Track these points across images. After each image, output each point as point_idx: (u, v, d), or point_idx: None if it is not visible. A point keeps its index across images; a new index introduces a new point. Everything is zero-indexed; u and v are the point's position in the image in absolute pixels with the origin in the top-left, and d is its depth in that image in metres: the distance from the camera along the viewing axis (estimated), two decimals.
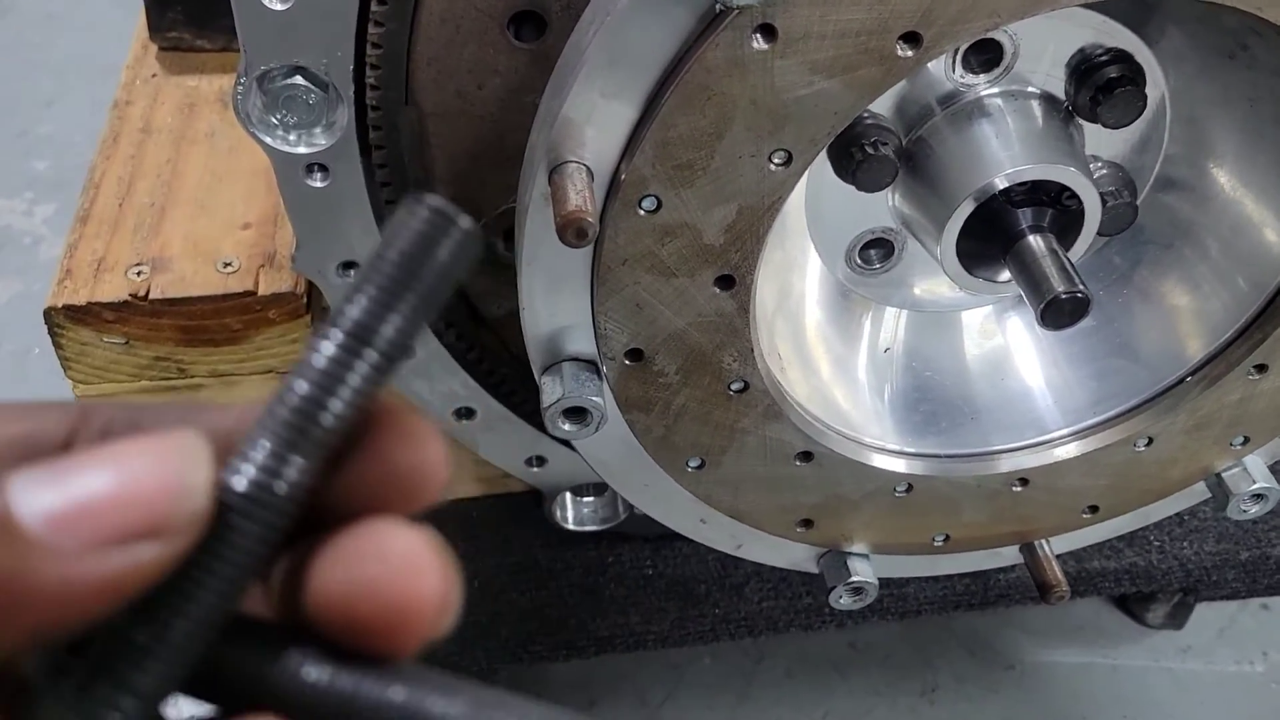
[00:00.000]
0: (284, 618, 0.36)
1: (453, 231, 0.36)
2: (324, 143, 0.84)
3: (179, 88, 1.24)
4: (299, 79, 0.81)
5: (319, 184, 0.86)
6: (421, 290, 0.36)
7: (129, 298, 0.99)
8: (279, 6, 0.76)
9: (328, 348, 0.35)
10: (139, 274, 1.02)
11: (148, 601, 0.33)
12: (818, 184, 0.87)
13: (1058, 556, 1.05)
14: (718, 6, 0.63)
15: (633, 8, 0.65)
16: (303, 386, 0.35)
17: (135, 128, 1.19)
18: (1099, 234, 0.87)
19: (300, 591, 0.35)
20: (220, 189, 1.12)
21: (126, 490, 0.33)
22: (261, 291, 1.01)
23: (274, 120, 0.83)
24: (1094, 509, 1.01)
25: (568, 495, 1.19)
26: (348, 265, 0.92)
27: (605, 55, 0.66)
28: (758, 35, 0.65)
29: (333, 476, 0.36)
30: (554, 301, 0.78)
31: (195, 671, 0.35)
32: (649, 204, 0.72)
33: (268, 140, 0.83)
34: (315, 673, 0.35)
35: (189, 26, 1.28)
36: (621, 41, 0.66)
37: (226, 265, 1.02)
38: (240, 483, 0.34)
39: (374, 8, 0.79)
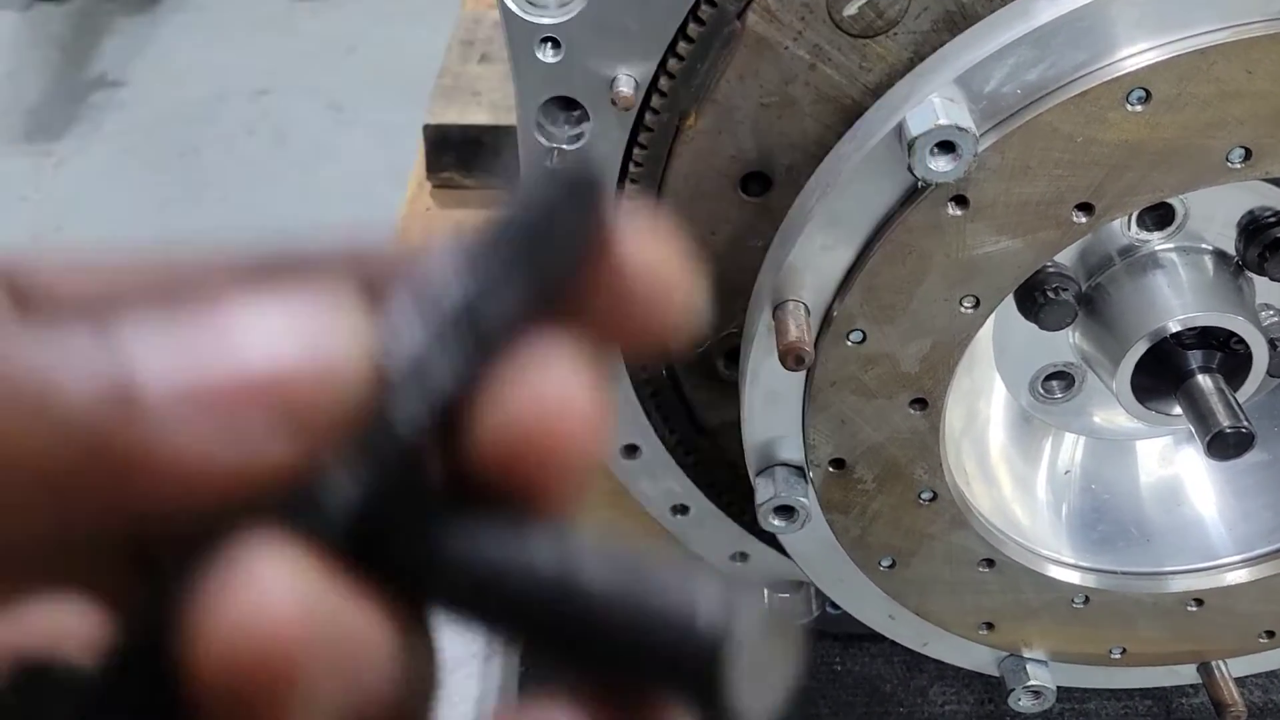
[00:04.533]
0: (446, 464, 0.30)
1: (583, 197, 0.31)
2: None
3: (449, 219, 1.47)
4: None
5: None
6: (542, 260, 0.30)
7: None
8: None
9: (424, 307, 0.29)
10: None
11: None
12: (1005, 321, 0.98)
13: (1243, 684, 1.10)
14: (919, 183, 0.77)
15: (850, 180, 0.80)
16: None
17: None
18: (1271, 375, 0.96)
19: (456, 449, 0.29)
20: None
21: (265, 370, 0.26)
22: None
23: None
24: (1270, 634, 1.06)
25: (765, 591, 1.31)
26: None
27: (826, 216, 0.81)
28: (952, 204, 0.79)
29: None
30: (770, 415, 0.92)
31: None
32: (856, 337, 0.86)
33: None
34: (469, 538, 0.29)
35: (459, 169, 1.51)
36: (839, 206, 0.81)
37: None
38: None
39: (631, 169, 0.95)
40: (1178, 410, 0.93)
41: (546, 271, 0.30)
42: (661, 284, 0.31)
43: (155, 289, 0.31)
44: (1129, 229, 0.93)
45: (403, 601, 0.29)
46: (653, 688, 0.29)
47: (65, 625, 0.28)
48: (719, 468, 1.16)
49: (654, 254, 0.31)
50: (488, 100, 1.50)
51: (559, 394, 0.29)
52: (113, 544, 0.28)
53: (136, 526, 0.27)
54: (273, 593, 0.25)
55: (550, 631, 0.29)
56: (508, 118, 0.90)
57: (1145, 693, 1.31)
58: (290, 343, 0.27)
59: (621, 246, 0.31)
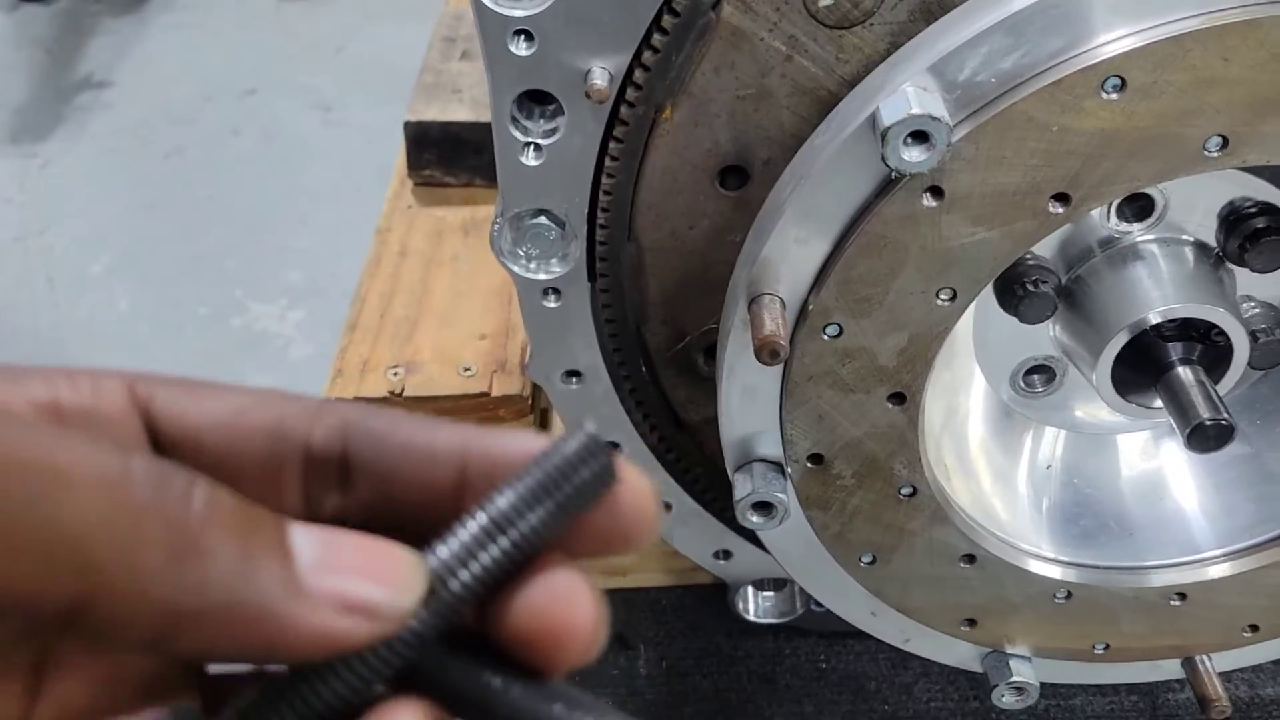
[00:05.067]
0: (486, 639, 0.44)
1: (599, 459, 0.42)
2: (559, 271, 0.99)
3: (430, 217, 1.46)
4: (543, 219, 0.97)
5: (552, 304, 1.01)
6: (561, 499, 0.42)
7: (388, 394, 1.18)
8: (532, 163, 0.93)
9: (472, 527, 0.42)
10: (395, 375, 1.21)
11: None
12: (984, 314, 0.97)
13: (1229, 679, 1.10)
14: (893, 173, 0.76)
15: (824, 171, 0.79)
16: (443, 553, 0.42)
17: (394, 251, 1.40)
18: (1252, 367, 0.95)
19: (494, 617, 0.43)
20: (462, 305, 1.31)
21: (371, 571, 0.41)
22: (494, 393, 1.19)
23: (520, 252, 0.99)
24: (1254, 628, 1.06)
25: (750, 589, 1.30)
26: (571, 373, 1.07)
27: (800, 208, 0.80)
28: (928, 194, 0.78)
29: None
30: (748, 410, 0.92)
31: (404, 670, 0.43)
32: (832, 330, 0.85)
33: (514, 268, 0.99)
34: (496, 681, 0.43)
35: (440, 166, 1.50)
36: (814, 198, 0.80)
37: (466, 370, 1.21)
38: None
39: (607, 163, 0.95)
40: (1158, 403, 0.93)
41: (568, 505, 0.43)
42: (641, 513, 0.45)
43: (271, 429, 0.45)
44: (1109, 220, 0.93)
45: None
46: None
47: None
48: (700, 465, 1.16)
49: (636, 494, 0.44)
50: (469, 97, 1.49)
51: (569, 592, 0.43)
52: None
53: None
54: None
55: None
56: (489, 114, 0.89)
57: (1131, 688, 1.31)
58: (384, 564, 0.42)
59: (619, 491, 0.44)
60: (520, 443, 0.44)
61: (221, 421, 0.44)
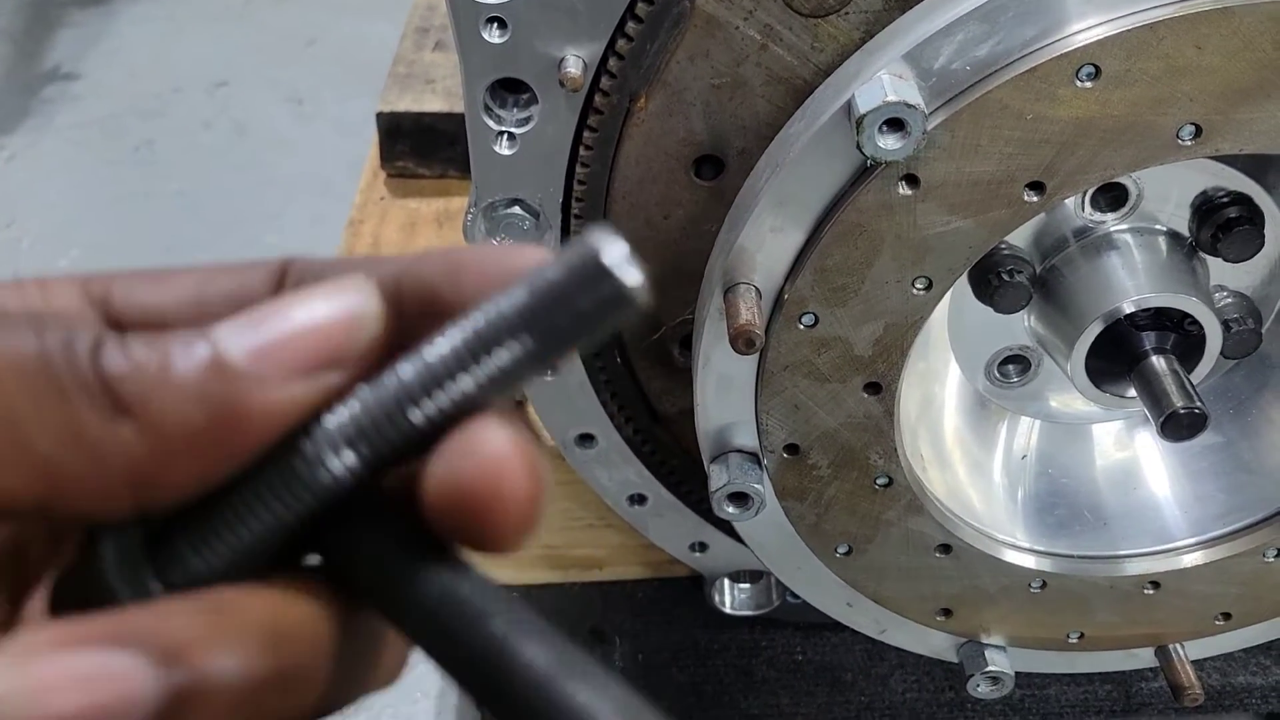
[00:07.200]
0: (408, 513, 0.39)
1: (606, 284, 0.34)
2: None
3: (403, 209, 1.45)
4: (517, 209, 0.97)
5: None
6: (548, 329, 0.35)
7: None
8: (506, 152, 0.92)
9: (440, 347, 0.36)
10: None
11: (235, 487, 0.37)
12: (960, 304, 0.98)
13: (1202, 667, 1.10)
14: (868, 161, 0.76)
15: (799, 160, 0.78)
16: (404, 375, 0.36)
17: (366, 243, 1.39)
18: (1225, 357, 0.95)
19: (415, 488, 0.38)
20: None
21: (312, 327, 0.37)
22: None
23: (494, 242, 0.99)
24: (1227, 616, 1.06)
25: (726, 581, 1.30)
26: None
27: (775, 197, 0.80)
28: (903, 183, 0.78)
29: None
30: (723, 400, 0.91)
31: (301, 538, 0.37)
32: (808, 320, 0.85)
33: None
34: (409, 565, 0.37)
35: (413, 157, 1.49)
36: (789, 186, 0.80)
37: None
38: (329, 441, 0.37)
39: (582, 153, 0.94)
40: (1132, 392, 0.93)
41: (552, 340, 0.35)
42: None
43: (232, 297, 0.41)
44: (1083, 210, 0.93)
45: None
46: None
47: None
48: (676, 456, 1.16)
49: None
50: (442, 88, 1.48)
51: (498, 442, 0.37)
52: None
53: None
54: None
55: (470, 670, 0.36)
56: (462, 105, 0.88)
57: (1105, 677, 1.31)
58: (325, 310, 0.38)
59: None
60: (507, 260, 0.39)
61: (184, 300, 0.42)
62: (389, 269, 0.40)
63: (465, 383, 0.36)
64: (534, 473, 0.37)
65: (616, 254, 0.34)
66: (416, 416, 0.36)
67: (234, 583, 0.37)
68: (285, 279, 0.42)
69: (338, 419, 0.37)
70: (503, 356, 0.35)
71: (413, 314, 0.39)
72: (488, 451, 0.37)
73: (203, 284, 0.42)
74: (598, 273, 0.34)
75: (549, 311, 0.35)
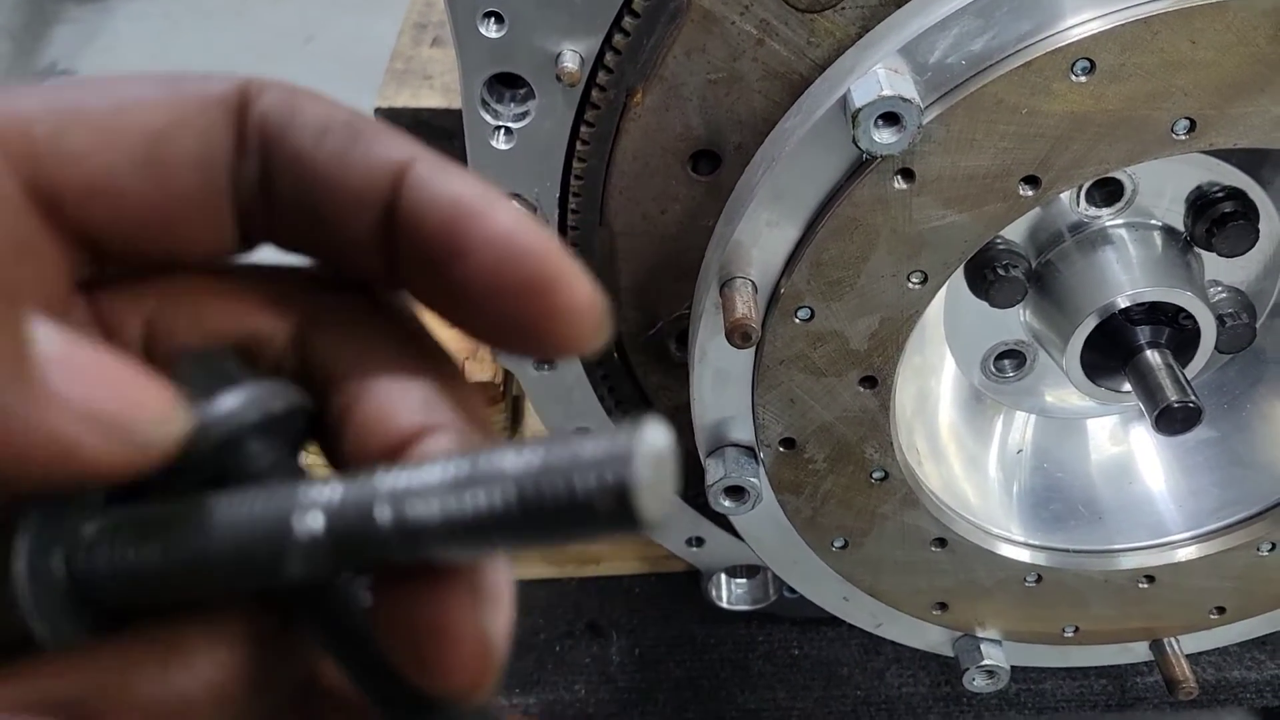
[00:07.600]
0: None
1: (621, 511, 0.30)
2: None
3: None
4: (514, 203, 0.97)
5: None
6: (537, 521, 0.31)
7: None
8: (503, 147, 0.92)
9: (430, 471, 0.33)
10: None
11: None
12: (955, 299, 0.98)
13: (1196, 661, 1.11)
14: (864, 155, 0.76)
15: (795, 154, 0.79)
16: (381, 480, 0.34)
17: None
18: (1219, 351, 0.96)
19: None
20: None
21: (122, 387, 0.34)
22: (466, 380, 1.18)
23: None
24: (1221, 610, 1.07)
25: (723, 576, 1.30)
26: (542, 360, 1.07)
27: (771, 191, 0.80)
28: (898, 177, 0.78)
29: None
30: (720, 394, 0.91)
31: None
32: (803, 314, 0.85)
33: None
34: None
35: None
36: (785, 181, 0.80)
37: None
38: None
39: (578, 147, 0.94)
40: (1127, 387, 0.93)
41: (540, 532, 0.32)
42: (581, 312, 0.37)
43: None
44: (1078, 205, 0.93)
45: None
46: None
47: None
48: None
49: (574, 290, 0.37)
50: (440, 84, 1.48)
51: (455, 607, 0.34)
52: None
53: None
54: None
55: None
56: (460, 101, 0.89)
57: (1100, 671, 1.32)
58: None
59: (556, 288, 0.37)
60: (458, 192, 0.37)
61: (136, 162, 0.37)
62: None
63: (433, 509, 0.32)
64: (496, 635, 0.34)
65: (647, 475, 0.30)
66: (384, 516, 0.33)
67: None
68: (246, 116, 0.38)
69: (313, 490, 0.34)
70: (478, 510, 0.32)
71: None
72: (451, 606, 0.34)
73: (157, 143, 0.37)
74: (618, 496, 0.30)
75: (546, 510, 0.31)
